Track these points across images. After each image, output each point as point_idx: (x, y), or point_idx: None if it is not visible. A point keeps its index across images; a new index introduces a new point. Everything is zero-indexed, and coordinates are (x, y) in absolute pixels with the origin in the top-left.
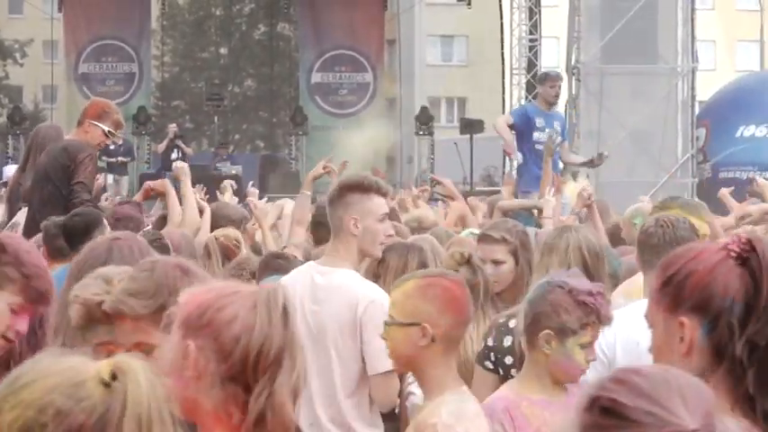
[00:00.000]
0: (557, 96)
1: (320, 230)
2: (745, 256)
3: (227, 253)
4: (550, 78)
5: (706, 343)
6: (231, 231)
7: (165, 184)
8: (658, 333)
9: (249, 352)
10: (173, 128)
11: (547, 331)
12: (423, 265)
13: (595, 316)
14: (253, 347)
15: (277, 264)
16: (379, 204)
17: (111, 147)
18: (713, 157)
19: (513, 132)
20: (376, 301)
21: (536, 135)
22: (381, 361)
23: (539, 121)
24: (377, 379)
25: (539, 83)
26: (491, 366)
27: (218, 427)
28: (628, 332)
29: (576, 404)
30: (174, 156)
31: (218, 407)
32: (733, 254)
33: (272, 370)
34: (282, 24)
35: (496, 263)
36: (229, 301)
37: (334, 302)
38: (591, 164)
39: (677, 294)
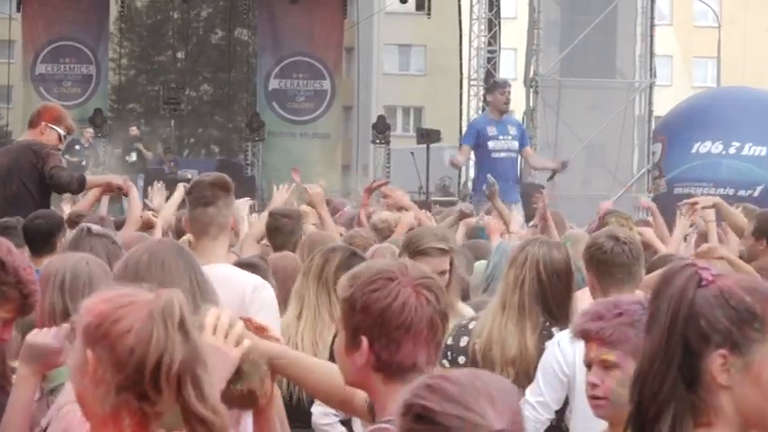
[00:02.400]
0: (507, 103)
1: (277, 237)
2: None
3: None
4: (499, 86)
5: None
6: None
7: (127, 181)
8: None
9: (145, 363)
10: (133, 130)
11: None
12: (347, 266)
13: None
14: (150, 359)
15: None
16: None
17: (77, 147)
18: (669, 172)
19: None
20: (259, 285)
21: (491, 144)
22: None
23: (491, 130)
24: None
25: (488, 92)
26: (447, 364)
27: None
28: None
29: (396, 410)
30: (132, 158)
31: (110, 413)
32: None
33: (182, 382)
34: (240, 30)
35: (444, 273)
36: (126, 312)
37: (223, 295)
38: (554, 173)
39: None
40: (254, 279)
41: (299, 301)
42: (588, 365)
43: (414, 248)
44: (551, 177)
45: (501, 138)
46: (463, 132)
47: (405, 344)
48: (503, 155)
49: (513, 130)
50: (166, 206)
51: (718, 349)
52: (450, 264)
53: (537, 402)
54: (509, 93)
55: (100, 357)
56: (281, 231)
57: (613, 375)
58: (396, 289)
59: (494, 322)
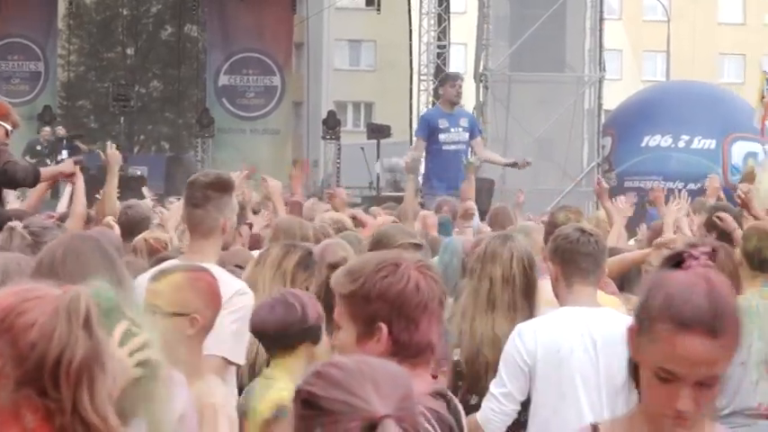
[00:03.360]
0: (459, 96)
1: None
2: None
3: (154, 254)
4: (451, 78)
5: None
6: (161, 233)
7: (75, 168)
8: None
9: (46, 359)
10: (60, 130)
11: None
12: (305, 266)
13: None
14: (51, 355)
15: None
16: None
17: (38, 147)
18: (618, 166)
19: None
20: (239, 290)
21: (442, 137)
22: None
23: (442, 123)
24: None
25: (440, 84)
26: None
27: (8, 428)
28: (548, 340)
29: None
30: (63, 156)
31: (10, 408)
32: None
33: (79, 380)
34: (190, 26)
35: None
36: (31, 306)
37: None
38: (515, 165)
39: None
40: (237, 284)
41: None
42: None
43: (386, 244)
44: (516, 167)
45: (452, 130)
46: (413, 127)
47: (422, 323)
48: (453, 147)
49: (464, 122)
50: (173, 213)
51: None
52: None
53: (501, 394)
54: (460, 85)
55: (2, 351)
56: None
57: None
58: (406, 273)
59: (478, 324)
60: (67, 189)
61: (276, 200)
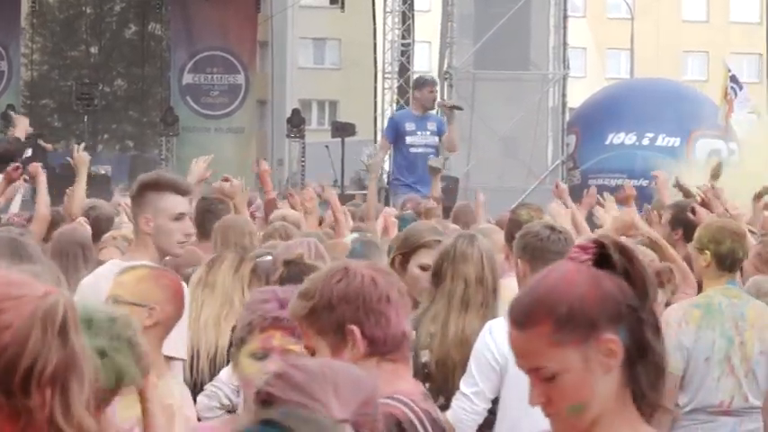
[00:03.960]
0: (435, 101)
1: (205, 225)
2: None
3: None
4: (429, 84)
5: None
6: (128, 232)
7: (37, 168)
8: None
9: (18, 365)
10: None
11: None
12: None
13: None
14: (23, 362)
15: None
16: (173, 204)
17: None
18: (583, 163)
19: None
20: None
21: (409, 139)
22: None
23: (410, 126)
24: None
25: (416, 88)
26: None
27: None
28: None
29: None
30: (28, 154)
31: None
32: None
33: (52, 388)
34: (154, 24)
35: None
36: (9, 306)
37: None
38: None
39: None
40: None
41: (205, 287)
42: None
43: (414, 242)
44: (451, 108)
45: (419, 133)
46: (378, 125)
47: (391, 315)
48: (420, 150)
49: (432, 126)
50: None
51: None
52: None
53: (473, 393)
54: (437, 91)
55: None
56: (215, 215)
57: None
58: (358, 272)
59: (448, 325)
60: (19, 192)
61: (238, 200)
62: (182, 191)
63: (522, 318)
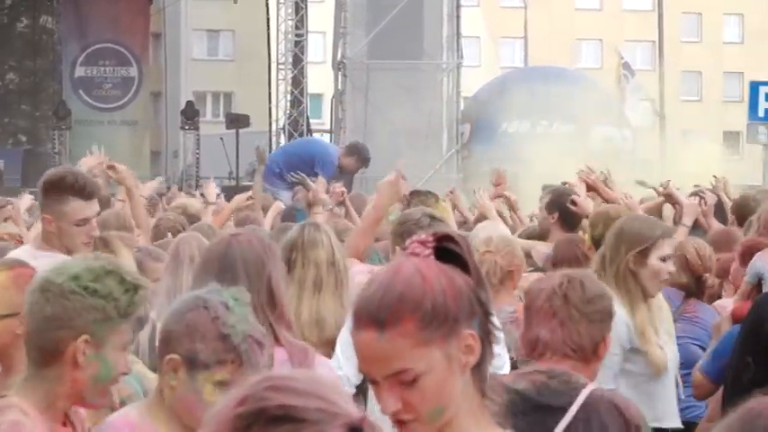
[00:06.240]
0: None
1: None
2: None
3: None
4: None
5: None
6: (12, 227)
7: None
8: None
9: None
10: None
11: (173, 356)
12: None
13: (235, 355)
14: None
15: None
16: (75, 209)
17: None
18: (477, 152)
19: None
20: None
21: None
22: None
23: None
24: None
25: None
26: None
27: None
28: None
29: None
30: None
31: None
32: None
33: None
34: (45, 17)
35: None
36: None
37: None
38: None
39: None
40: None
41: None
42: None
43: (650, 236)
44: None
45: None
46: (272, 116)
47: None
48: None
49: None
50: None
51: None
52: None
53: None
54: None
55: None
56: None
57: None
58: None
59: (300, 308)
60: None
61: (129, 184)
62: (86, 195)
63: (384, 316)
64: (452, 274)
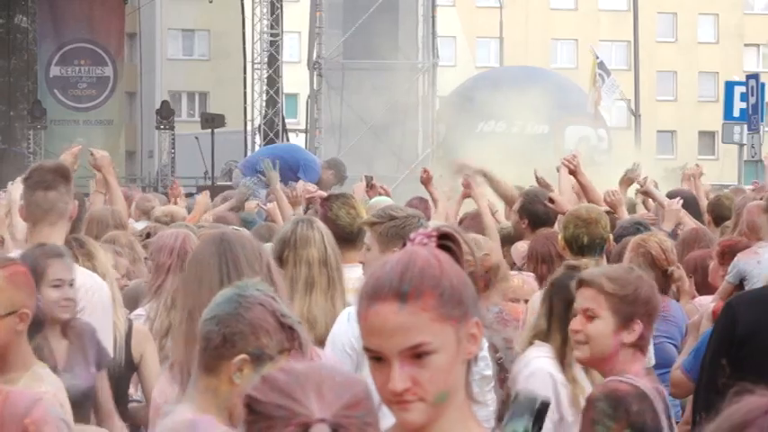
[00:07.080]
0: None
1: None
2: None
3: None
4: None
5: None
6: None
7: None
8: None
9: None
10: None
11: (243, 356)
12: None
13: (296, 342)
14: None
15: None
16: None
17: None
18: (453, 152)
19: None
20: (91, 288)
21: None
22: None
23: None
24: None
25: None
26: None
27: None
28: None
29: None
30: None
31: None
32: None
33: None
34: (20, 16)
35: None
36: None
37: None
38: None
39: None
40: (89, 280)
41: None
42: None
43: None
44: None
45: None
46: (248, 116)
47: None
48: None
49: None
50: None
51: None
52: None
53: None
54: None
55: None
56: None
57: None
58: None
59: (293, 305)
60: None
61: (107, 173)
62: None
63: (407, 288)
64: (458, 266)
